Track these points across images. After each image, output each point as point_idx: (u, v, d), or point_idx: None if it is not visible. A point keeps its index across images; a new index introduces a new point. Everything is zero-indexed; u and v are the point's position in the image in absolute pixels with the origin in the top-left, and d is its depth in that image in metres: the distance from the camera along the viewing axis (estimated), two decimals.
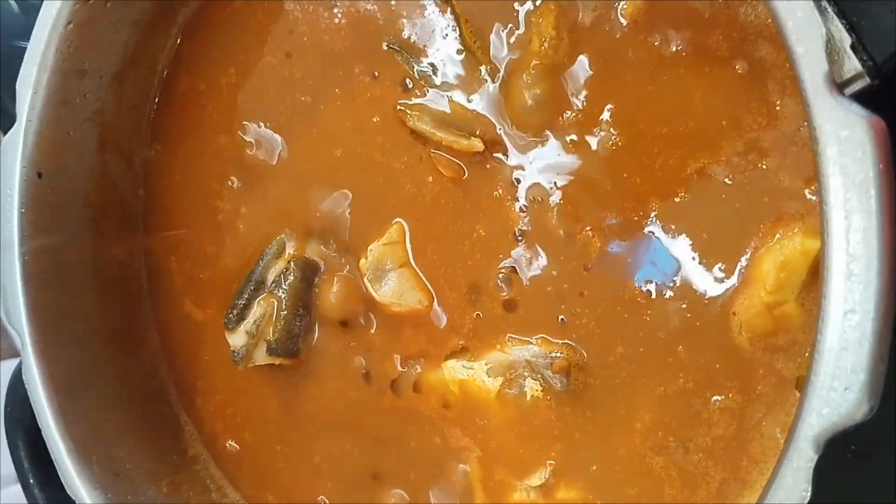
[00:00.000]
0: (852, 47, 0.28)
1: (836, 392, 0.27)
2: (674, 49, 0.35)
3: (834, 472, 0.29)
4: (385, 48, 0.41)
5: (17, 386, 0.46)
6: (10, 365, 0.74)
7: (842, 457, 0.37)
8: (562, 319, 0.38)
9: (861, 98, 0.28)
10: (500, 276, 0.40)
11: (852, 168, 0.26)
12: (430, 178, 0.41)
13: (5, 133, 0.82)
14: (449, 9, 0.40)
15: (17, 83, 0.43)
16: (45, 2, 0.42)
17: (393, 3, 0.41)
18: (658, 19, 0.35)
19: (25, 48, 0.79)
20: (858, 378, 0.26)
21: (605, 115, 0.37)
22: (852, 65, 0.28)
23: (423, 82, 0.41)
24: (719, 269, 0.35)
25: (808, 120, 0.27)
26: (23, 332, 0.43)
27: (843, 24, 0.28)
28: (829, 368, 0.27)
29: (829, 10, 0.28)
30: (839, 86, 0.28)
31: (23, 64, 0.43)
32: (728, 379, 0.35)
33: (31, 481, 0.47)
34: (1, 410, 0.51)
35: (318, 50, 0.43)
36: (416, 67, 0.40)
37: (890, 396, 0.28)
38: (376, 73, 0.42)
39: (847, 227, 0.26)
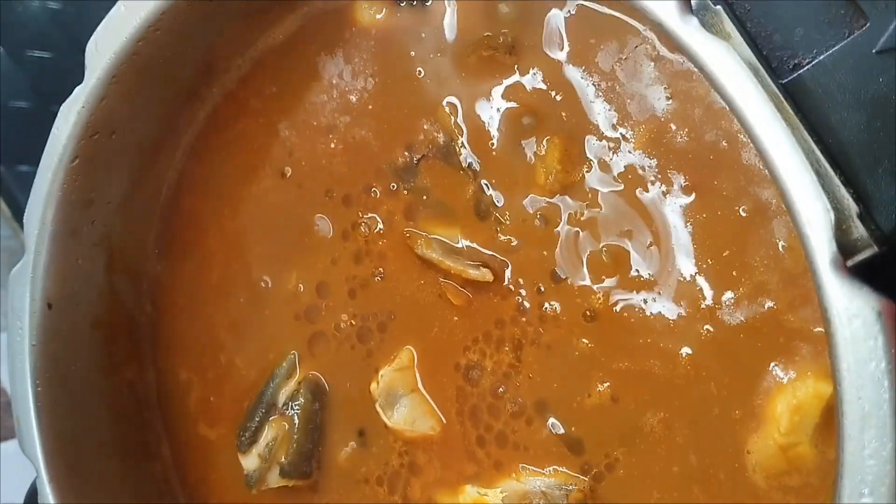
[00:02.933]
0: (859, 216, 0.29)
1: None
2: (681, 191, 0.36)
3: None
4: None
5: None
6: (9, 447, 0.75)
7: None
8: (575, 450, 0.38)
9: (869, 266, 0.29)
10: (511, 406, 0.40)
11: (864, 355, 0.26)
12: (439, 305, 0.41)
13: (3, 197, 0.83)
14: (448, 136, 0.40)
15: (24, 217, 0.43)
16: (49, 138, 0.42)
17: (386, 126, 0.42)
18: (664, 161, 0.36)
19: (21, 108, 0.79)
20: None
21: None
22: (860, 233, 0.29)
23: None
24: (735, 407, 0.35)
25: (819, 300, 0.27)
26: (37, 461, 0.43)
27: (849, 192, 0.29)
28: None
29: (836, 179, 0.29)
30: (846, 254, 0.28)
31: (29, 198, 0.43)
32: None
33: None
34: None
35: (316, 174, 0.43)
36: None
37: None
38: (378, 196, 0.42)
39: (862, 413, 0.26)
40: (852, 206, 0.28)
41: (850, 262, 0.28)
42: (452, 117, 0.40)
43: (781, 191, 0.27)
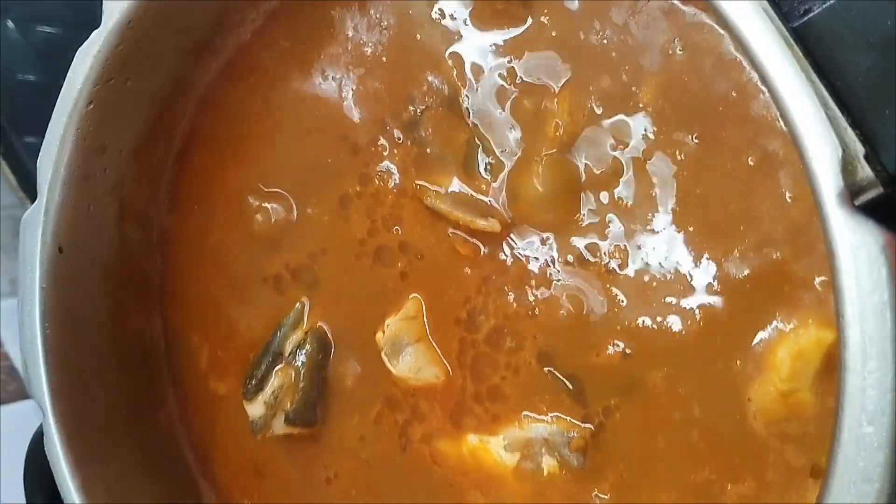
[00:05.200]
0: (866, 157, 0.29)
1: None
2: (690, 142, 0.36)
3: None
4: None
5: (37, 451, 0.46)
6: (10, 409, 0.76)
7: None
8: (578, 399, 0.39)
9: (875, 205, 0.29)
10: (515, 353, 0.40)
11: (868, 287, 0.27)
12: (447, 255, 0.41)
13: (10, 166, 0.83)
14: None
15: (38, 161, 0.43)
16: (65, 83, 0.42)
17: (398, 78, 0.42)
18: (675, 112, 0.36)
19: (30, 81, 0.79)
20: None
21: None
22: (865, 173, 0.29)
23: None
24: (737, 357, 0.36)
25: (825, 233, 0.28)
26: (44, 403, 0.44)
27: (856, 134, 0.29)
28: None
29: (843, 120, 0.29)
30: (853, 194, 0.29)
31: (44, 142, 0.43)
32: (744, 468, 0.35)
33: None
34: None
35: (328, 127, 0.44)
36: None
37: None
38: (389, 150, 0.42)
39: (864, 344, 0.27)
40: (859, 148, 0.29)
41: (855, 203, 0.29)
42: (459, 69, 0.40)
43: (790, 128, 0.28)
